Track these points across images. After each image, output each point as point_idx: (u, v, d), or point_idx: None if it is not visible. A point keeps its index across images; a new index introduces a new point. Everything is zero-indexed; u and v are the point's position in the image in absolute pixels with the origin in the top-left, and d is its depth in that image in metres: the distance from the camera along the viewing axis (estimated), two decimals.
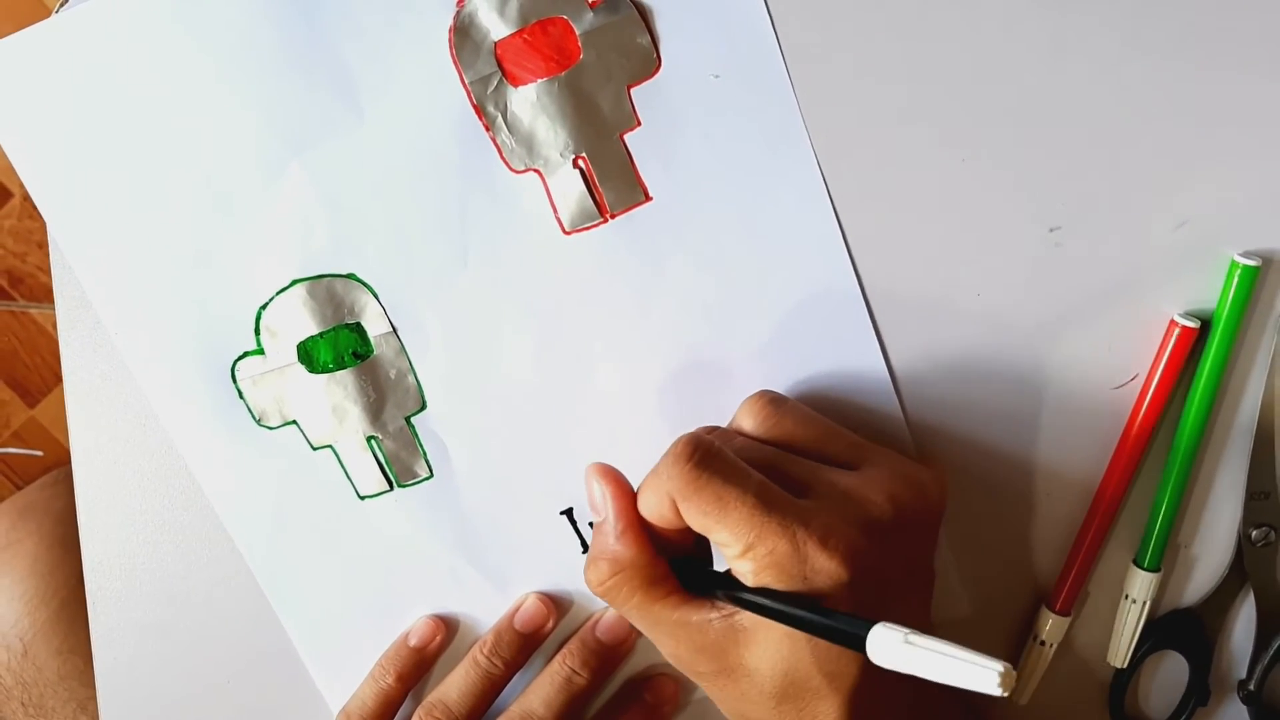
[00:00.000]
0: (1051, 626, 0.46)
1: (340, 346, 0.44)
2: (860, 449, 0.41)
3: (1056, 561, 0.47)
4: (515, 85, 0.41)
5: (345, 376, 0.45)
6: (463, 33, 0.41)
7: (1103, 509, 0.45)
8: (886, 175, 0.42)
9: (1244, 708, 0.48)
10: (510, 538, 0.47)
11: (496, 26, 0.41)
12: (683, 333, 0.44)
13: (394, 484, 0.46)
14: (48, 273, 0.45)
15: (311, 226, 0.43)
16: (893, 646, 0.32)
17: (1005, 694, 0.29)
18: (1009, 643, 0.48)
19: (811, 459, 0.40)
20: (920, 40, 0.41)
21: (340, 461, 0.46)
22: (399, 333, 0.44)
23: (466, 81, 0.41)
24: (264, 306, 0.44)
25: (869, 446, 0.41)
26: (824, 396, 0.44)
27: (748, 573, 0.37)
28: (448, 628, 0.48)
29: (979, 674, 0.29)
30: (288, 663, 0.48)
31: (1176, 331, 0.43)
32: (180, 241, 0.43)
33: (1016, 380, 0.44)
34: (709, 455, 0.37)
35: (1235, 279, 0.42)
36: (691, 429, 0.40)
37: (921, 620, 0.41)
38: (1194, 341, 0.43)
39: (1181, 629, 0.47)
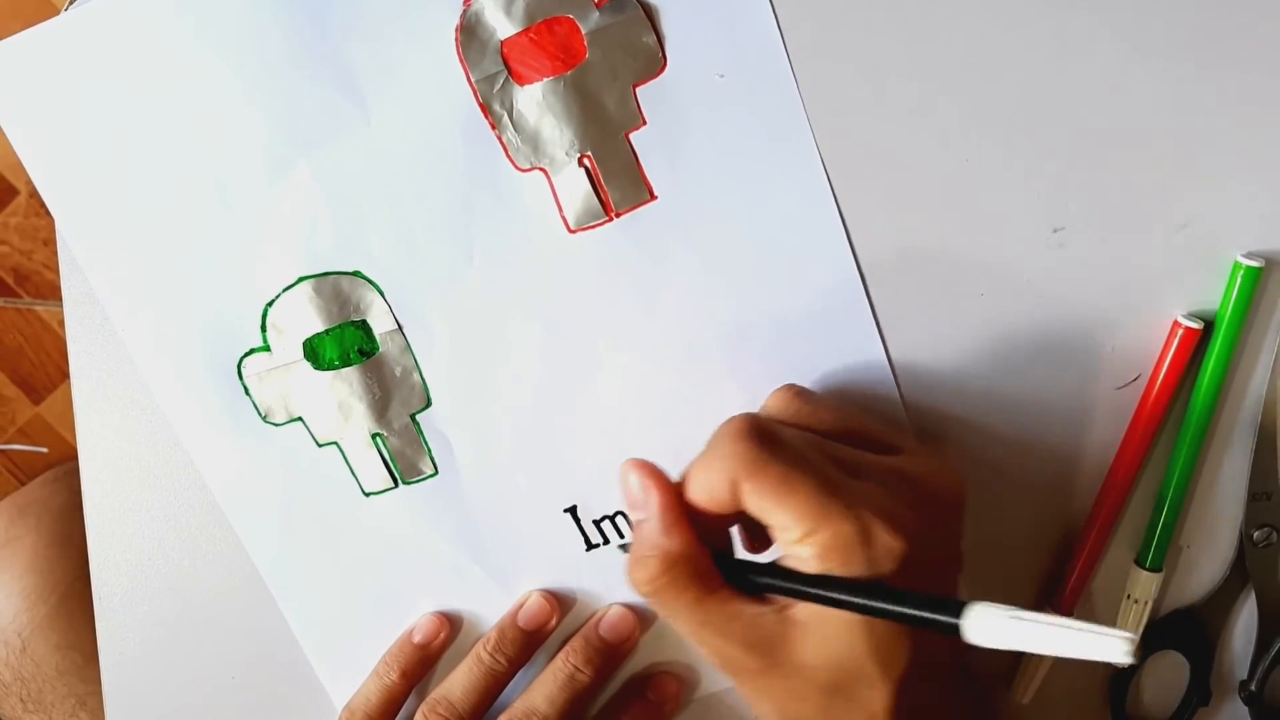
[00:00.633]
0: None
1: (346, 343, 0.44)
2: (892, 434, 0.41)
3: (1059, 561, 0.47)
4: (521, 84, 0.41)
5: (351, 374, 0.45)
6: (469, 31, 0.41)
7: (1106, 508, 0.45)
8: (890, 175, 0.42)
9: (1245, 708, 0.48)
10: (514, 535, 0.47)
11: (503, 25, 0.41)
12: (687, 330, 0.44)
13: (399, 481, 0.46)
14: (54, 270, 0.45)
15: (318, 224, 0.43)
16: (998, 624, 0.31)
17: (1134, 663, 0.28)
18: None
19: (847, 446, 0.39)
20: (925, 40, 0.41)
21: (345, 458, 0.46)
22: (404, 330, 0.44)
23: (473, 80, 0.41)
24: (270, 304, 0.44)
25: (899, 432, 0.41)
26: (827, 395, 0.44)
27: (809, 558, 0.35)
28: (451, 624, 0.48)
29: (1104, 644, 0.29)
30: (292, 659, 0.49)
31: (1180, 332, 0.43)
32: (187, 239, 0.43)
33: (1019, 380, 0.44)
34: (771, 435, 0.36)
35: (1238, 280, 0.42)
36: (694, 426, 0.39)
37: None
38: (1197, 342, 0.43)
39: (1183, 629, 0.47)
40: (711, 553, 0.38)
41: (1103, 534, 0.46)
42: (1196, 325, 0.43)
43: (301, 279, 0.44)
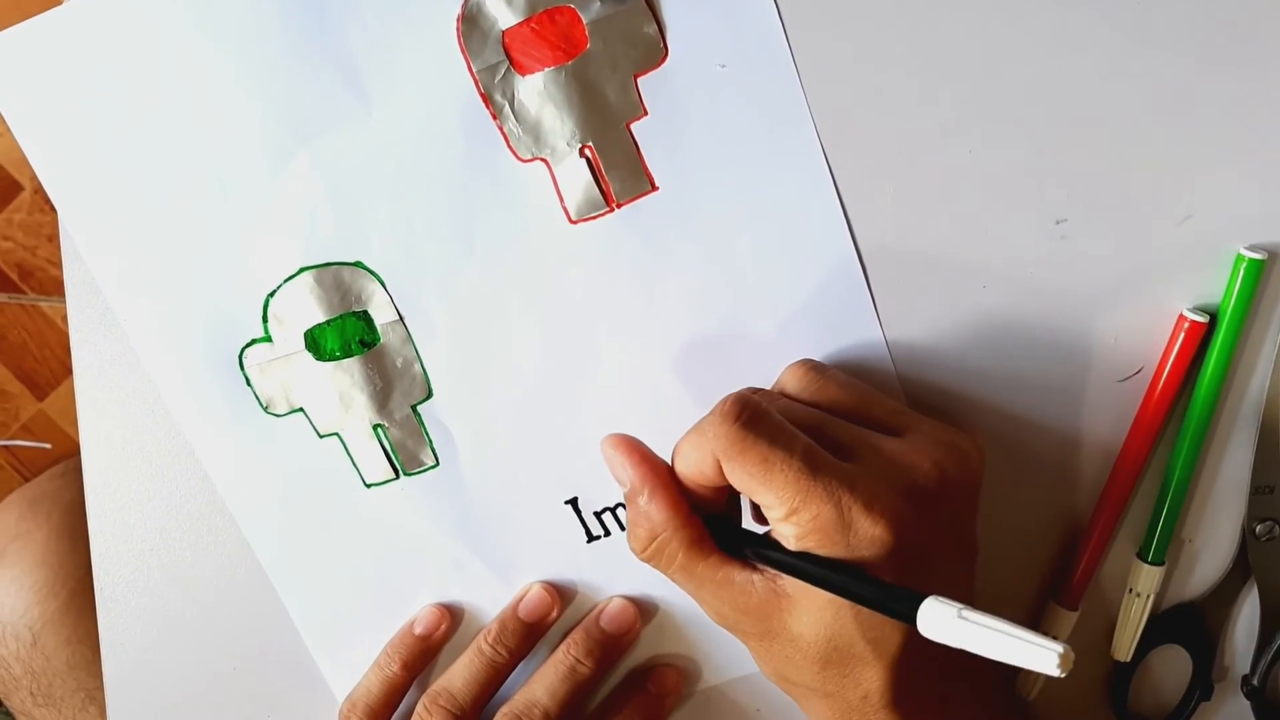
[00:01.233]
0: (1060, 621, 0.46)
1: (347, 334, 0.44)
2: (903, 415, 0.41)
3: (1062, 554, 0.47)
4: (522, 74, 0.41)
5: (352, 364, 0.45)
6: (471, 21, 0.41)
7: (1111, 503, 0.45)
8: (892, 166, 0.42)
9: (1247, 703, 0.48)
10: (515, 527, 0.47)
11: (504, 15, 0.41)
12: (688, 321, 0.44)
13: (400, 472, 0.46)
14: (58, 266, 0.45)
15: (319, 215, 0.43)
16: (945, 621, 0.31)
17: (1063, 674, 0.28)
18: None
19: (855, 424, 0.39)
20: (927, 31, 0.41)
21: (346, 449, 0.46)
22: (405, 321, 0.44)
23: (474, 70, 0.41)
24: (271, 294, 0.44)
25: (911, 413, 0.41)
26: (842, 372, 0.44)
27: (790, 537, 0.36)
28: (453, 616, 0.48)
29: (1037, 654, 0.29)
30: (294, 650, 0.49)
31: (1186, 325, 0.43)
32: (188, 229, 0.43)
33: (1020, 372, 0.44)
34: (756, 415, 0.37)
35: (1241, 272, 0.42)
36: (695, 417, 0.40)
37: (964, 591, 0.41)
38: (1202, 335, 0.43)
39: (1185, 623, 0.47)
40: (709, 518, 0.39)
41: (1108, 528, 0.45)
42: (1202, 319, 0.42)
43: (302, 270, 0.44)
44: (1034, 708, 0.48)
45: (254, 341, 0.45)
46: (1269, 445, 0.44)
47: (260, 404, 0.45)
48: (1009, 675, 0.48)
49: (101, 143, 0.43)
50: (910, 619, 0.32)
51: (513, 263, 0.43)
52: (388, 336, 0.45)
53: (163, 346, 0.45)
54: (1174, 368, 0.43)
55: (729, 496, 0.40)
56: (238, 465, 0.46)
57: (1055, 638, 0.45)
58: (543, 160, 0.42)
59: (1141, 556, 0.46)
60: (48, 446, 1.29)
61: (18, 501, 0.74)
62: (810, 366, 0.41)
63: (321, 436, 0.46)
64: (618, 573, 0.47)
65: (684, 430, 0.39)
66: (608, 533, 0.47)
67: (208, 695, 0.50)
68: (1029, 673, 0.48)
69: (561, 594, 0.48)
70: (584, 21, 0.41)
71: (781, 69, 0.41)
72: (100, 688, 0.50)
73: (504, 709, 0.46)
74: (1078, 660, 0.46)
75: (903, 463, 0.38)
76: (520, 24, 0.41)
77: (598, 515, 0.47)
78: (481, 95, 0.42)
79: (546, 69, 0.41)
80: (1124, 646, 0.47)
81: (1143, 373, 0.44)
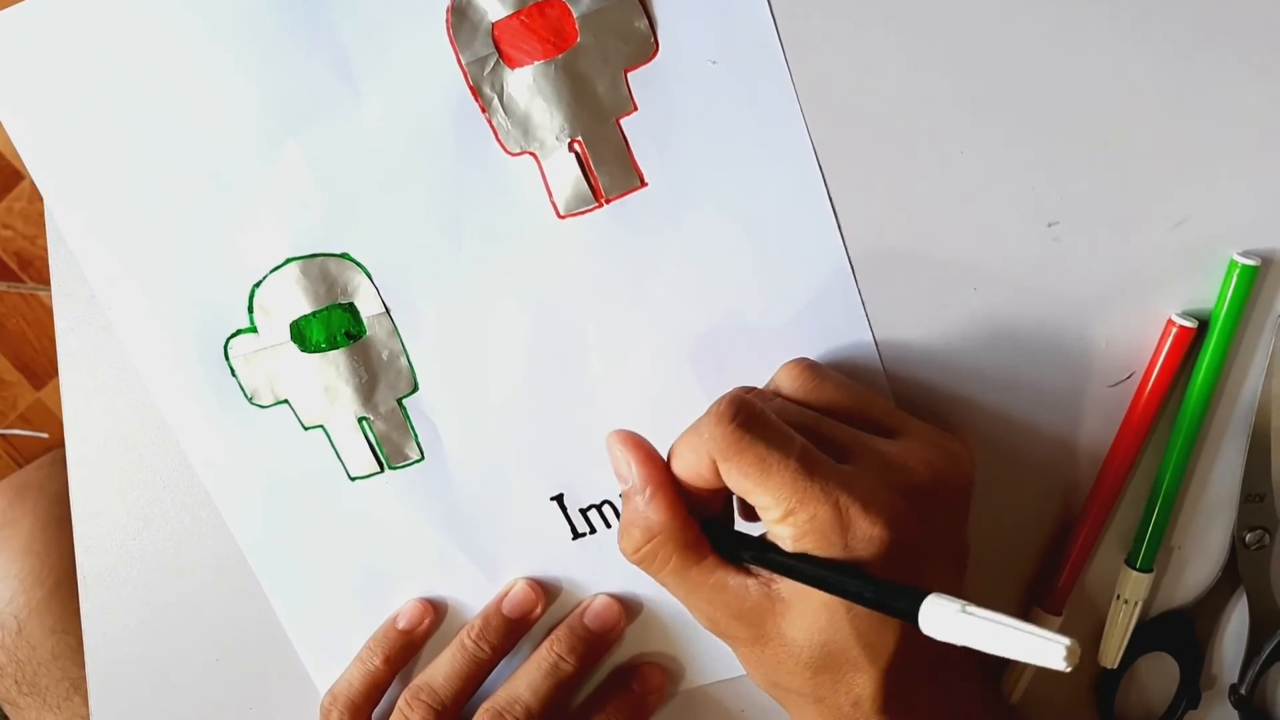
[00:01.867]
0: (1043, 625, 0.46)
1: (333, 326, 0.44)
2: (897, 417, 0.40)
3: (1050, 559, 0.46)
4: (512, 67, 0.41)
5: (338, 356, 0.44)
6: (460, 13, 0.41)
7: (1097, 507, 0.45)
8: (883, 165, 0.42)
9: (1234, 712, 0.47)
10: (500, 522, 0.47)
11: (494, 8, 0.41)
12: (676, 318, 0.44)
13: (385, 466, 0.46)
14: None
15: (306, 205, 0.43)
16: (948, 617, 0.31)
17: (1069, 669, 0.28)
18: None
19: (850, 425, 0.39)
20: (920, 31, 0.41)
21: (331, 442, 0.46)
22: (392, 314, 0.44)
23: (463, 62, 0.41)
24: (258, 284, 0.44)
25: (905, 415, 0.41)
26: (838, 371, 0.44)
27: (787, 538, 0.36)
28: (436, 611, 0.48)
29: (1043, 647, 0.28)
30: (276, 642, 0.48)
31: (1174, 331, 0.42)
32: (175, 218, 0.43)
33: (1010, 375, 0.44)
34: (752, 416, 0.36)
35: (1234, 278, 0.41)
36: (683, 414, 0.39)
37: (957, 593, 0.40)
38: (1191, 341, 0.42)
39: (1173, 631, 0.47)
40: (704, 522, 0.39)
41: (1093, 533, 0.45)
42: (1191, 324, 0.42)
43: (289, 260, 0.43)
44: (1022, 715, 0.48)
45: (239, 332, 0.44)
46: (1260, 453, 0.44)
47: (245, 395, 0.45)
48: (998, 684, 0.47)
49: (89, 130, 0.42)
50: (912, 617, 0.32)
51: (501, 256, 0.43)
52: (374, 329, 0.44)
53: (148, 335, 0.45)
54: (1161, 373, 0.43)
55: (725, 499, 0.40)
56: (222, 456, 0.46)
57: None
58: (531, 154, 0.42)
59: (1130, 563, 0.45)
60: (44, 436, 1.29)
61: (5, 490, 0.74)
62: (805, 366, 0.41)
63: (306, 428, 0.46)
64: (603, 570, 0.47)
65: (672, 427, 0.39)
66: (593, 530, 0.47)
67: (190, 686, 0.50)
68: (1011, 675, 0.47)
69: (546, 590, 0.48)
70: (574, 15, 0.40)
71: (773, 66, 0.41)
72: (85, 677, 0.50)
73: (485, 705, 0.46)
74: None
75: (899, 463, 0.38)
76: (510, 16, 0.41)
77: (583, 512, 0.47)
78: (470, 88, 0.41)
79: (536, 62, 0.41)
80: (1111, 653, 0.46)
81: (1133, 378, 0.44)
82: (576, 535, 0.47)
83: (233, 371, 0.45)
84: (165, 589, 0.48)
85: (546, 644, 0.46)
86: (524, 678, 0.46)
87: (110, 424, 0.47)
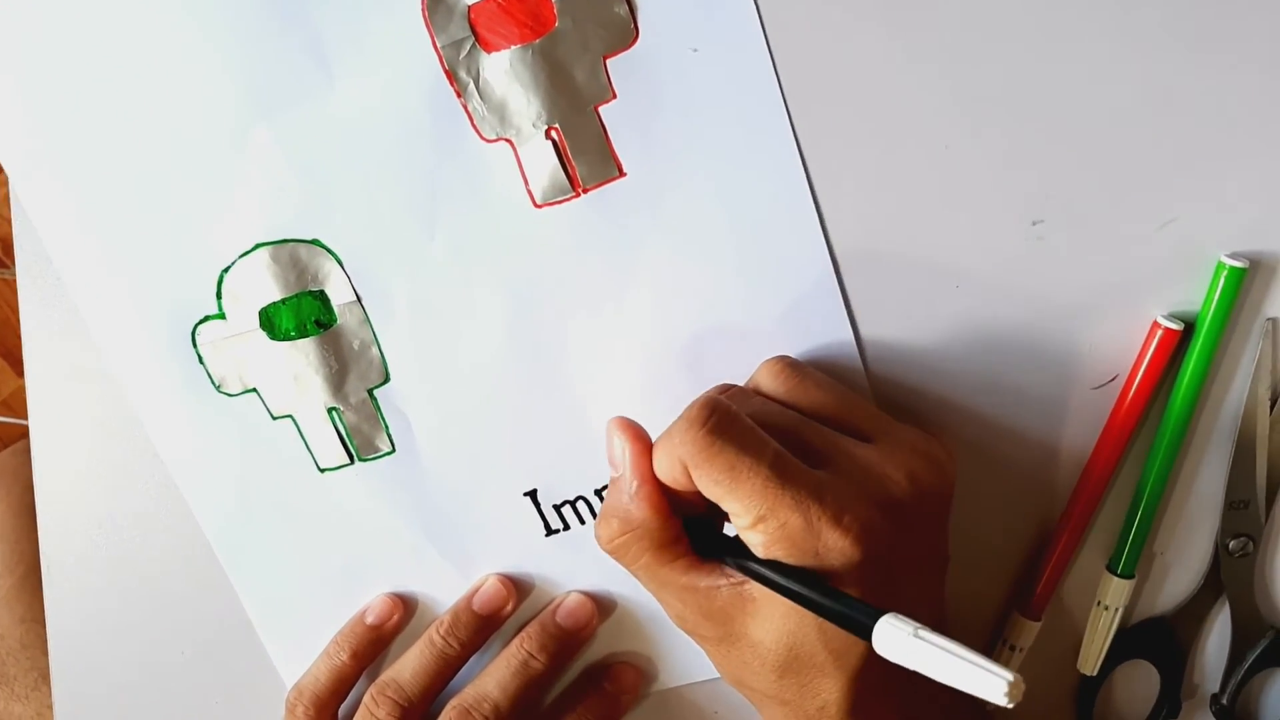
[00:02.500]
0: (1022, 631, 0.45)
1: (303, 314, 0.43)
2: (878, 420, 0.40)
3: (1029, 564, 0.46)
4: (488, 51, 0.40)
5: (307, 345, 0.44)
6: None
7: (1078, 512, 0.44)
8: (866, 158, 0.41)
9: None
10: (472, 517, 0.46)
11: None
12: (654, 312, 0.43)
13: (355, 457, 0.45)
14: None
15: (277, 190, 0.42)
16: (900, 640, 0.31)
17: (1011, 705, 0.28)
18: (978, 646, 0.46)
19: (830, 427, 0.39)
20: (906, 23, 0.40)
21: (300, 432, 0.45)
22: (363, 302, 0.43)
23: (439, 46, 0.40)
24: (226, 270, 0.43)
25: (886, 419, 0.40)
26: (819, 371, 0.43)
27: (758, 544, 0.36)
28: (406, 606, 0.47)
29: (986, 680, 0.29)
30: (244, 636, 0.48)
31: (1159, 333, 0.42)
32: (143, 200, 0.42)
33: (991, 376, 0.43)
34: (724, 421, 0.36)
35: (1221, 281, 0.41)
36: (659, 410, 0.39)
37: (934, 603, 0.40)
38: (1177, 344, 0.42)
39: (1154, 638, 0.47)
40: (687, 519, 0.38)
41: (1074, 538, 0.45)
42: (1176, 326, 0.41)
43: (259, 245, 0.43)
44: None
45: (208, 318, 0.44)
46: (1245, 459, 0.43)
47: (213, 383, 0.44)
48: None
49: (57, 108, 0.41)
50: (867, 635, 0.32)
51: (476, 245, 0.42)
52: (345, 317, 0.43)
53: (115, 320, 0.44)
54: (1145, 376, 0.42)
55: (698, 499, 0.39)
56: (189, 444, 0.45)
57: (1018, 649, 0.45)
58: (508, 141, 0.41)
59: (1111, 569, 0.45)
60: (25, 423, 1.28)
61: None
62: (787, 364, 0.40)
63: (275, 418, 0.45)
64: (576, 567, 0.47)
65: (648, 423, 0.39)
66: (567, 526, 0.46)
67: (156, 680, 0.49)
68: None
69: (518, 587, 0.47)
70: None
71: (755, 55, 0.40)
72: None
73: (453, 702, 0.45)
74: (1044, 673, 0.47)
75: (876, 472, 0.37)
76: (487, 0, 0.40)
77: (557, 509, 0.46)
78: (446, 72, 0.40)
79: (513, 47, 0.40)
80: (1091, 660, 0.46)
81: (1117, 380, 0.43)
82: (550, 531, 0.46)
83: (200, 359, 0.44)
84: (131, 579, 0.48)
85: (517, 641, 0.46)
86: (493, 675, 0.45)
87: (76, 410, 0.46)
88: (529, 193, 0.42)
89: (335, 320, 0.43)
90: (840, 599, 0.33)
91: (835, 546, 0.35)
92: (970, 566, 0.45)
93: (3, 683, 0.67)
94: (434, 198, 0.42)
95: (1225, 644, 0.46)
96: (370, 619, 0.47)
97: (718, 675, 0.40)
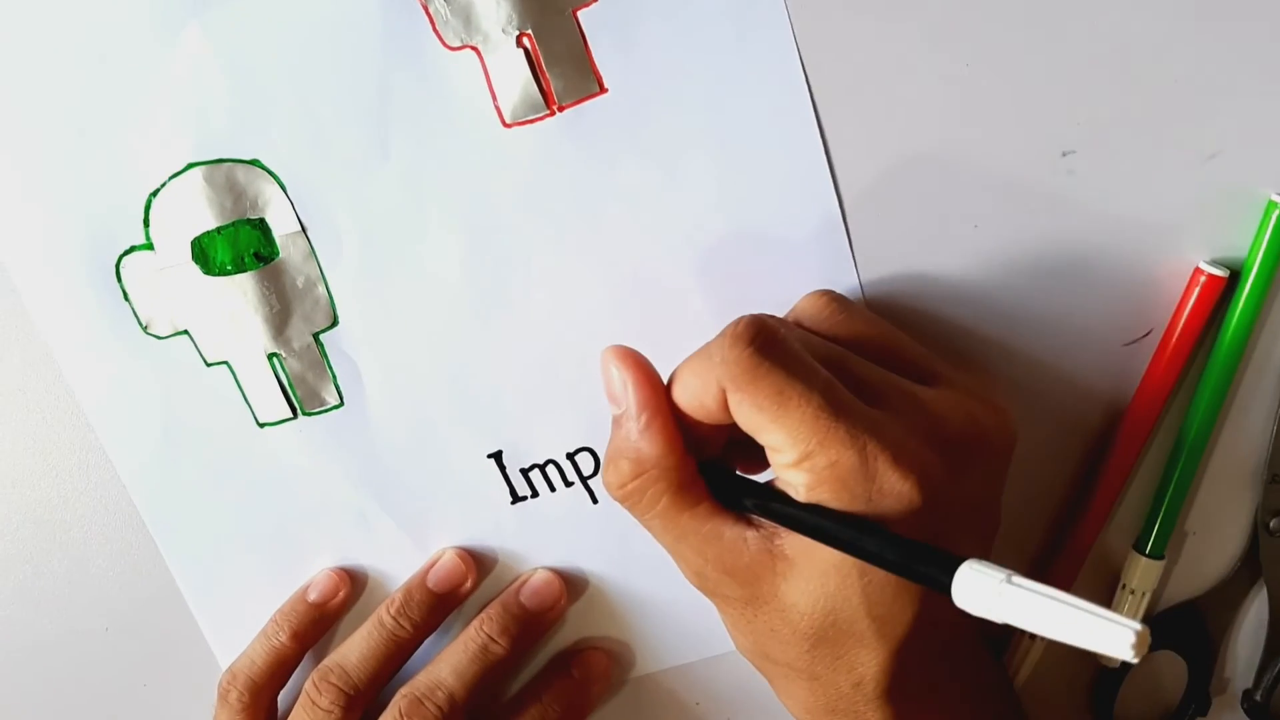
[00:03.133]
0: None
1: (240, 245, 0.39)
2: (933, 362, 0.37)
3: (1049, 541, 0.43)
4: None
5: (245, 281, 0.39)
6: None
7: (1105, 485, 0.41)
8: (877, 76, 0.38)
9: None
10: (429, 481, 0.43)
11: None
12: (637, 246, 0.39)
13: (298, 411, 0.41)
14: None
15: (211, 101, 0.38)
16: (989, 589, 0.27)
17: (1137, 660, 0.24)
18: (985, 631, 0.43)
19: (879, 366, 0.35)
20: None
21: (237, 381, 0.41)
22: (308, 233, 0.39)
23: None
24: (154, 193, 0.39)
25: (943, 363, 0.37)
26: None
27: (801, 485, 0.32)
28: (353, 582, 0.44)
29: (1108, 632, 0.24)
30: (174, 610, 0.45)
31: (1202, 280, 0.39)
32: (59, 110, 0.38)
33: (1012, 328, 0.40)
34: (773, 341, 0.33)
35: (1272, 222, 0.38)
36: (640, 358, 0.35)
37: None
38: (1221, 293, 0.39)
39: (1183, 626, 0.44)
40: (701, 463, 0.35)
41: (1100, 513, 0.42)
42: (1221, 273, 0.38)
43: (191, 165, 0.38)
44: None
45: (134, 249, 0.39)
46: None
47: (139, 323, 0.40)
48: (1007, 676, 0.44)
49: None
50: (944, 586, 0.28)
51: (435, 169, 0.39)
52: (287, 250, 0.39)
53: (28, 250, 0.40)
54: (1185, 329, 0.39)
55: (727, 439, 0.36)
56: (112, 393, 0.41)
57: (1035, 636, 0.41)
58: (473, 49, 0.37)
59: (1139, 548, 0.42)
60: None
61: None
62: (833, 297, 0.37)
63: (209, 365, 0.41)
64: (544, 540, 0.43)
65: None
66: (535, 493, 0.43)
67: (77, 657, 0.46)
68: (1012, 664, 0.44)
69: (479, 562, 0.44)
70: None
71: None
72: None
73: (404, 690, 0.42)
74: (1062, 661, 0.43)
75: (936, 412, 0.34)
76: None
77: (524, 473, 0.42)
78: None
79: None
80: None
81: (1152, 336, 0.40)
82: (516, 499, 0.43)
83: (125, 295, 0.40)
84: (49, 546, 0.44)
85: (476, 623, 0.43)
86: (449, 660, 0.42)
87: None
88: (497, 109, 0.38)
89: (277, 253, 0.39)
90: (906, 544, 0.30)
91: (893, 490, 0.31)
92: None
93: None
94: (387, 114, 0.38)
95: (1260, 633, 0.44)
96: (313, 596, 0.44)
97: (696, 659, 0.37)
